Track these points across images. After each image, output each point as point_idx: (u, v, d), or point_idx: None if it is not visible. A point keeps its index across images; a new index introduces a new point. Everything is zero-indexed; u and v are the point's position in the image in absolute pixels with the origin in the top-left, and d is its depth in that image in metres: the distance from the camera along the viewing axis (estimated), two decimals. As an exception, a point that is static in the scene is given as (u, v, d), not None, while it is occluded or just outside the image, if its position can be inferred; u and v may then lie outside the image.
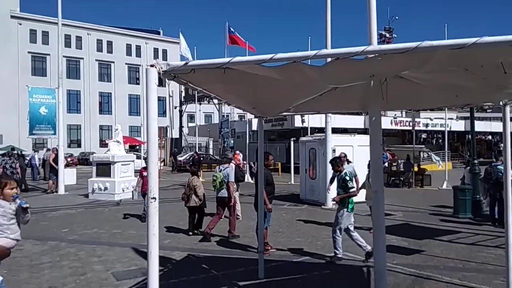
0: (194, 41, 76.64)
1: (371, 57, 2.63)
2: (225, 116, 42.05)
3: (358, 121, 34.54)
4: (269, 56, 2.68)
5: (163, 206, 12.62)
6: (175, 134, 43.20)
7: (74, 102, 52.90)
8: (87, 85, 53.39)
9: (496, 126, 43.99)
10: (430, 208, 12.56)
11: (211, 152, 40.49)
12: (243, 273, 6.14)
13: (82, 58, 53.51)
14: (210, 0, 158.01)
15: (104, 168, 15.12)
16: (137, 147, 34.09)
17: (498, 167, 9.42)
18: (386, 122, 35.21)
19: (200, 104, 44.06)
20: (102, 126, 54.64)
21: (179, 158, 31.92)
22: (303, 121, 29.42)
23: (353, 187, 6.68)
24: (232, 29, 22.82)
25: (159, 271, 2.50)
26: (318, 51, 2.61)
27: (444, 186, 17.96)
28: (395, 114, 36.24)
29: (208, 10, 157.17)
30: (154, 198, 2.71)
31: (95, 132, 53.89)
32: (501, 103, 4.94)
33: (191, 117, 56.53)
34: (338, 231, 6.62)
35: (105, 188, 14.76)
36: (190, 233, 8.87)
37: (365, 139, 14.18)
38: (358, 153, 12.22)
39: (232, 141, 39.16)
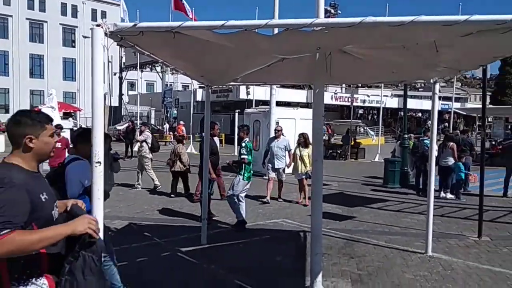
0: (137, 4, 72.39)
1: (319, 30, 2.75)
2: (169, 85, 40.99)
3: (301, 96, 35.36)
4: (220, 22, 2.69)
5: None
6: (114, 102, 41.37)
7: (1, 63, 48.39)
8: (16, 45, 48.80)
9: (427, 104, 47.28)
10: (363, 178, 13.44)
11: (153, 122, 39.44)
12: (185, 239, 6.25)
13: (11, 16, 48.63)
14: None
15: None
16: (73, 114, 32.23)
17: (425, 141, 10.26)
18: (327, 98, 36.32)
19: (142, 71, 42.22)
20: (33, 91, 50.67)
21: (118, 127, 30.77)
22: (248, 93, 29.48)
23: (244, 155, 6.95)
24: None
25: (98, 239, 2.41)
26: (269, 20, 2.68)
27: (377, 159, 19.16)
28: (336, 90, 37.54)
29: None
30: (99, 162, 2.68)
31: (25, 97, 49.84)
32: (431, 80, 5.37)
33: (132, 85, 54.20)
34: (235, 198, 6.86)
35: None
36: (172, 195, 9.56)
37: (307, 112, 14.64)
38: (300, 126, 12.60)
39: (175, 111, 38.40)
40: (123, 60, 43.70)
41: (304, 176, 8.87)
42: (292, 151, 9.33)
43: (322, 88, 4.29)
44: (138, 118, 25.56)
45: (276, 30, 3.06)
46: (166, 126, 31.83)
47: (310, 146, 8.23)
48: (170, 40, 3.03)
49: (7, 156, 1.93)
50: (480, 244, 6.27)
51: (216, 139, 7.95)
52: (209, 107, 5.85)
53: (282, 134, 9.60)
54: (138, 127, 11.49)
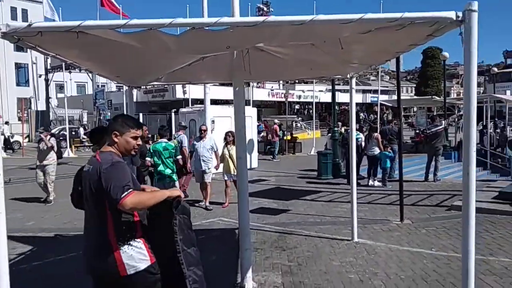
0: (60, 2, 68.20)
1: (225, 29, 2.76)
2: (100, 86, 39.14)
3: (238, 93, 35.36)
4: (123, 21, 2.61)
5: (21, 187, 11.50)
6: (42, 106, 38.71)
7: None
8: None
9: (358, 98, 49.68)
10: (299, 172, 13.82)
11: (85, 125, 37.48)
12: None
13: None
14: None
15: None
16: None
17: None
18: (264, 94, 36.89)
19: (70, 72, 39.83)
20: None
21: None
22: (184, 92, 28.95)
23: (147, 158, 7.26)
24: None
25: (22, 254, 2.32)
26: (174, 19, 2.62)
27: (313, 152, 19.77)
28: (272, 87, 38.14)
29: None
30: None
31: None
32: (348, 76, 5.63)
33: (61, 87, 50.94)
34: None
35: None
36: None
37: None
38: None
39: (109, 114, 36.76)
40: (49, 61, 41.01)
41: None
42: (220, 152, 8.61)
43: (242, 86, 4.34)
44: (67, 122, 24.10)
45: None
46: (81, 130, 30.26)
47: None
48: (75, 40, 2.88)
49: (103, 147, 2.56)
50: (402, 227, 6.71)
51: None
52: (133, 107, 5.68)
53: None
54: (38, 134, 10.02)
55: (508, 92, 36.43)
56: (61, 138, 27.20)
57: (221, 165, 8.55)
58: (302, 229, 6.66)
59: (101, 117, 36.15)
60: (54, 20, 21.95)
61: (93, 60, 3.73)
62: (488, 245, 5.57)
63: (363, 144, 11.12)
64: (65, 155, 21.44)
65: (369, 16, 2.57)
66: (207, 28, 2.65)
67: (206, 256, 5.57)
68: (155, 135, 10.26)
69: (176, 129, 9.72)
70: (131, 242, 2.40)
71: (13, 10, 50.82)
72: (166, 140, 7.41)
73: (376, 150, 10.54)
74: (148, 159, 6.94)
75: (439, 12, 2.55)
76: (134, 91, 25.32)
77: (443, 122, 12.43)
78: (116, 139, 2.50)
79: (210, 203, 8.54)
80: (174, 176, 7.31)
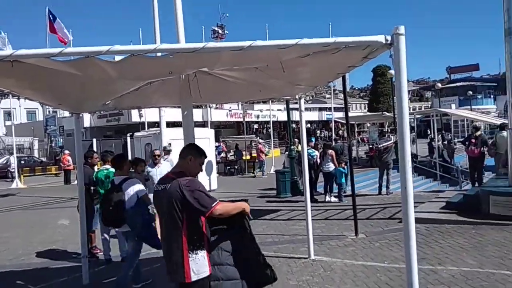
0: (8, 27, 65.91)
1: (165, 55, 2.77)
2: (51, 112, 37.70)
3: (196, 114, 35.23)
4: (58, 50, 2.56)
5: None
6: (-13, 135, 36.62)
7: None
8: None
9: (315, 115, 50.91)
10: (259, 191, 13.85)
11: (36, 153, 35.73)
12: (65, 282, 5.71)
13: None
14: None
15: None
16: None
17: (308, 151, 10.98)
18: (222, 115, 36.95)
19: (19, 99, 38.19)
20: None
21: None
22: (140, 116, 28.44)
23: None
24: (51, 16, 20.38)
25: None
26: (111, 46, 2.60)
27: (272, 171, 19.94)
28: (230, 107, 38.31)
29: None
30: None
31: None
32: (297, 96, 5.78)
33: (9, 114, 48.59)
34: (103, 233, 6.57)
35: None
36: None
37: (202, 132, 14.68)
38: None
39: (61, 140, 35.40)
40: (-5, 87, 39.09)
41: None
42: None
43: (190, 109, 4.33)
44: (15, 151, 22.86)
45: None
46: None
47: None
48: (10, 69, 2.78)
49: (174, 167, 3.15)
50: (357, 241, 6.85)
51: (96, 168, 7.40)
52: (80, 135, 5.54)
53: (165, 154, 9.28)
54: None
55: (453, 105, 38.79)
56: (8, 168, 25.84)
57: None
58: (261, 249, 6.61)
59: (53, 144, 34.71)
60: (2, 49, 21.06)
61: (32, 88, 3.60)
62: (436, 254, 5.79)
63: (318, 160, 11.36)
64: (13, 185, 20.33)
65: (304, 42, 2.67)
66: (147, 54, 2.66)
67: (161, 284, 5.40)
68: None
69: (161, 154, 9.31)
70: (198, 252, 2.84)
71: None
72: (108, 167, 6.86)
73: (331, 166, 10.79)
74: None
75: (369, 37, 2.70)
76: (88, 116, 24.64)
77: (392, 137, 12.95)
78: (190, 163, 3.01)
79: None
80: None
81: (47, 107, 37.37)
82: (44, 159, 33.03)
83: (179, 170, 3.01)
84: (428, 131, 31.54)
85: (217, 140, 23.17)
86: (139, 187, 4.82)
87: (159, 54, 2.85)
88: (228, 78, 4.39)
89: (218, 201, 2.81)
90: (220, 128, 35.33)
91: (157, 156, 8.15)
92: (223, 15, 57.60)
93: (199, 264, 2.82)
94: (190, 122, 4.26)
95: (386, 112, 25.66)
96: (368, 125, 30.83)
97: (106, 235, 6.48)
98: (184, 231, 2.83)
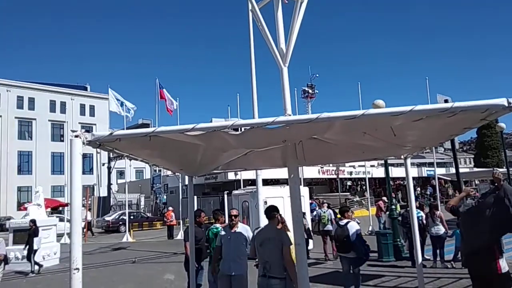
0: (124, 94, 75.46)
1: (281, 126, 2.99)
2: (157, 171, 41.18)
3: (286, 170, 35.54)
4: (191, 126, 2.92)
5: (88, 272, 11.86)
6: (103, 192, 41.09)
7: (-12, 162, 48.51)
8: (4, 144, 49.39)
9: (414, 172, 47.94)
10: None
11: (142, 209, 38.94)
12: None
13: (0, 116, 50.03)
14: (138, 54, 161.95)
15: (22, 235, 13.83)
16: (61, 209, 31.75)
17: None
18: (314, 172, 36.76)
19: (130, 159, 42.86)
20: (21, 188, 50.17)
21: (107, 218, 30.25)
22: (236, 174, 29.79)
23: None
24: (161, 85, 23.25)
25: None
26: (235, 121, 2.92)
27: (369, 230, 18.92)
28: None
29: (137, 64, 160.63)
30: (77, 269, 2.67)
31: (12, 194, 49.24)
32: (402, 157, 5.61)
33: (121, 173, 54.28)
34: None
35: (23, 257, 13.41)
36: None
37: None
38: (288, 204, 12.59)
39: (165, 197, 38.11)
40: (112, 150, 44.26)
41: None
42: None
43: (296, 172, 4.47)
44: (126, 206, 25.17)
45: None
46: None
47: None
48: (147, 142, 3.23)
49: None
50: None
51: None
52: (193, 196, 5.95)
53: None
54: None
55: None
56: (120, 222, 28.42)
57: None
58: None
59: (158, 201, 37.50)
60: (120, 114, 24.25)
61: (160, 157, 4.10)
62: None
63: (424, 222, 10.56)
64: (124, 239, 22.19)
65: (419, 108, 2.69)
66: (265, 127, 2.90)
67: None
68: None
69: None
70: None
71: (82, 106, 56.80)
72: (218, 225, 7.02)
73: (441, 229, 9.93)
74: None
75: (489, 100, 2.62)
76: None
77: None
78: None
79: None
80: None
81: (153, 166, 41.08)
82: (149, 214, 35.70)
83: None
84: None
85: (310, 197, 22.92)
86: None
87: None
88: (332, 141, 4.49)
89: None
90: (312, 185, 35.01)
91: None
92: (313, 75, 59.43)
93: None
94: (296, 185, 4.38)
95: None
96: (477, 182, 28.08)
97: None
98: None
